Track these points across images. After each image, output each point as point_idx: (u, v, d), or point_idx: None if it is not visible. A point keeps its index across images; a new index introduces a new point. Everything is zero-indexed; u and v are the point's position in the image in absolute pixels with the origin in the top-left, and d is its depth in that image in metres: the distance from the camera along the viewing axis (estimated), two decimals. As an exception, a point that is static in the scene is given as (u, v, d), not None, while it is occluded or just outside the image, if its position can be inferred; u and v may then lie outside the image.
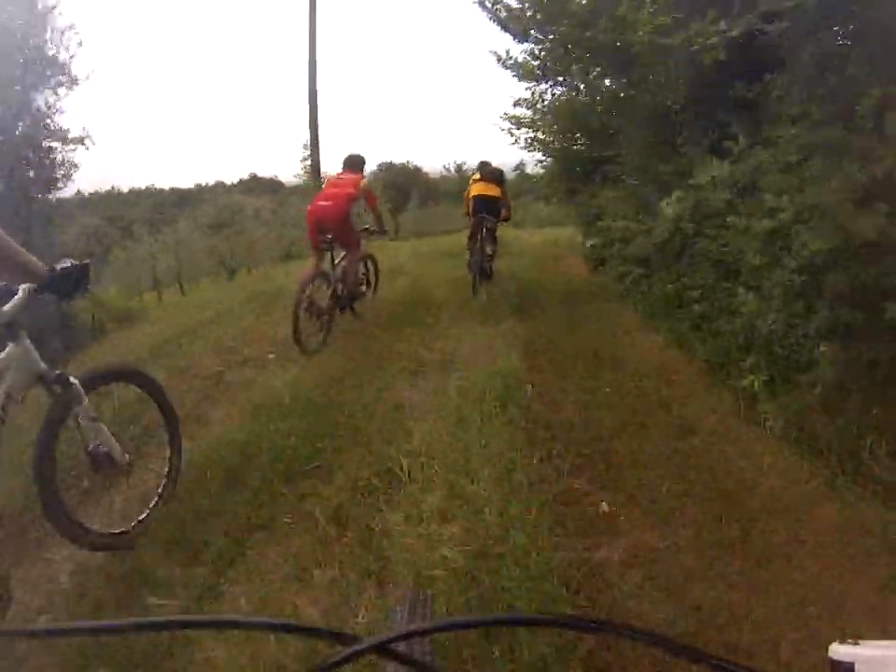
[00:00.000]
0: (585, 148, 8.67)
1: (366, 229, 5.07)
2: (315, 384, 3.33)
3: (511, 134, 8.64)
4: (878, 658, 0.38)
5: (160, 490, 2.23)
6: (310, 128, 15.10)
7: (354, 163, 4.81)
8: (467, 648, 1.37)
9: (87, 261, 1.83)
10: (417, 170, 44.70)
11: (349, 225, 4.54)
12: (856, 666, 0.38)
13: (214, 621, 0.39)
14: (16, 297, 1.72)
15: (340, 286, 4.54)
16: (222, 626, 0.38)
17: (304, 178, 21.48)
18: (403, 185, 43.24)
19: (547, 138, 9.14)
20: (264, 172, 43.21)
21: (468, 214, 6.23)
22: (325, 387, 3.25)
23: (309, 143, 15.85)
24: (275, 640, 1.42)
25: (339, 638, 0.39)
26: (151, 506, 2.18)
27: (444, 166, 43.67)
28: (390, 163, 46.58)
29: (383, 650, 0.39)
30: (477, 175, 6.30)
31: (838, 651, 0.40)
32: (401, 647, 0.49)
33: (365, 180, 4.76)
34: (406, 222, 24.66)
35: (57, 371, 1.85)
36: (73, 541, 1.92)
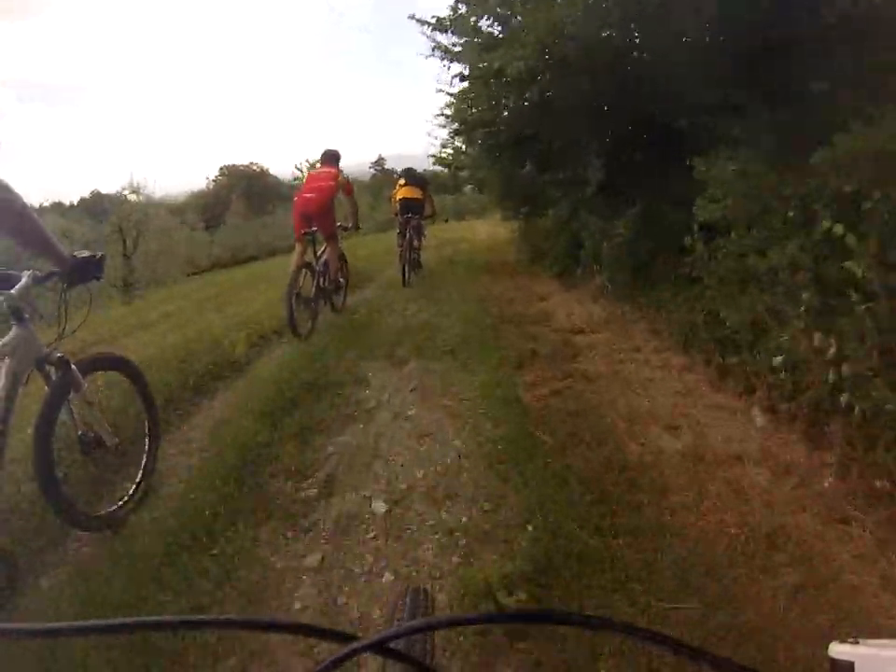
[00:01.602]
0: None
1: (340, 225, 5.36)
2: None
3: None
4: (878, 657, 0.39)
5: (140, 475, 2.34)
6: None
7: (330, 158, 5.33)
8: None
9: (102, 254, 1.97)
10: (263, 172, 40.44)
11: (331, 216, 5.05)
12: (856, 665, 0.39)
13: (213, 620, 0.39)
14: (22, 281, 1.81)
15: (322, 278, 4.94)
16: (222, 626, 0.39)
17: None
18: (256, 191, 38.06)
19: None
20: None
21: (395, 214, 7.33)
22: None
23: None
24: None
25: (339, 637, 0.39)
26: (132, 490, 2.29)
27: (296, 166, 39.90)
28: (232, 166, 42.09)
29: (381, 648, 0.39)
30: (402, 181, 7.43)
31: (838, 650, 0.40)
32: (401, 644, 0.51)
33: (343, 174, 5.19)
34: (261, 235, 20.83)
35: (59, 354, 1.94)
36: (69, 523, 2.00)
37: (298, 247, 4.92)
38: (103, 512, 2.14)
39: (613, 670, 1.40)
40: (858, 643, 0.40)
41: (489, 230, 14.33)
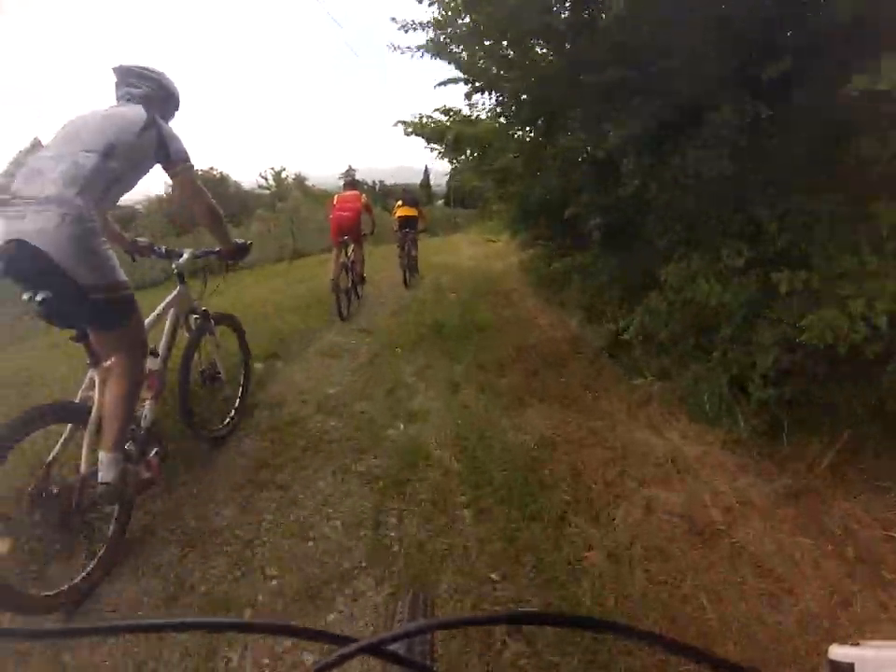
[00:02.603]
0: None
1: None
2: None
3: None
4: (878, 659, 0.40)
5: (236, 404, 3.19)
6: None
7: (352, 183, 7.06)
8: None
9: (250, 241, 2.76)
10: (223, 179, 37.70)
11: (359, 226, 6.71)
12: (856, 667, 0.41)
13: (209, 623, 0.39)
14: (185, 255, 2.68)
15: (352, 273, 6.67)
16: (217, 629, 0.40)
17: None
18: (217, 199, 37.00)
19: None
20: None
21: (396, 230, 8.87)
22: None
23: None
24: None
25: (334, 640, 0.40)
26: (232, 414, 3.14)
27: (260, 174, 36.99)
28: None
29: (376, 650, 0.40)
30: (400, 202, 8.99)
31: (838, 652, 0.42)
32: (401, 646, 0.55)
33: (364, 196, 6.84)
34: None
35: (203, 308, 2.79)
36: (193, 435, 2.81)
37: (335, 251, 6.54)
38: (213, 429, 2.97)
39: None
40: (858, 645, 0.42)
41: (473, 251, 13.24)
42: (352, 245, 6.74)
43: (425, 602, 0.77)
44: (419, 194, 9.65)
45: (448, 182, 34.33)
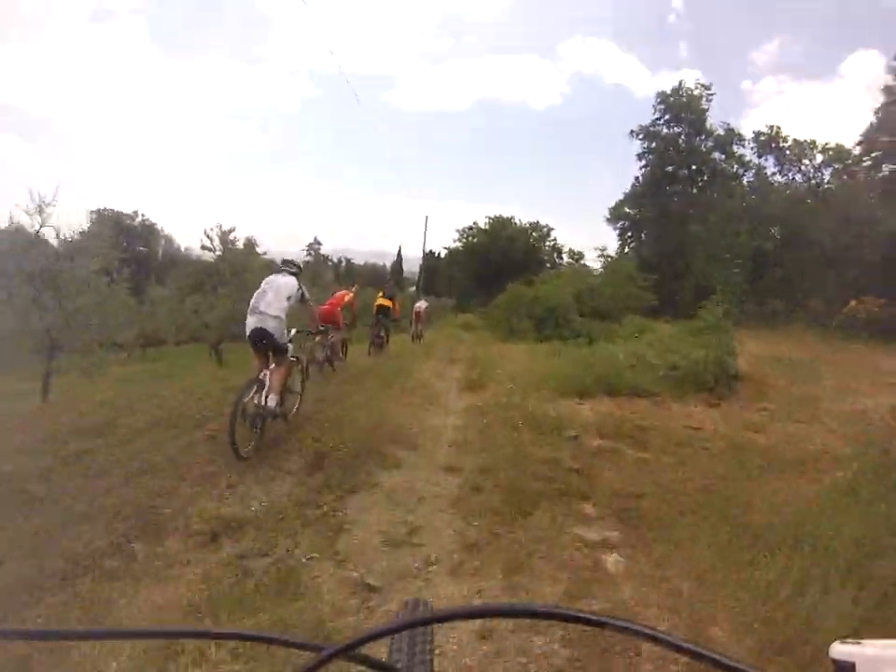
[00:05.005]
0: None
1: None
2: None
3: None
4: (879, 657, 0.42)
5: (298, 401, 6.70)
6: None
7: (392, 287, 11.60)
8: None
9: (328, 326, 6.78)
10: (151, 228, 37.28)
11: (339, 317, 9.87)
12: (857, 666, 0.42)
13: (184, 631, 0.45)
14: (292, 332, 6.39)
15: (329, 350, 9.80)
16: (193, 637, 0.62)
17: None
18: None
19: None
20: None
21: (375, 314, 12.68)
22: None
23: None
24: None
25: (307, 647, 0.43)
26: (297, 403, 6.64)
27: (205, 231, 28.28)
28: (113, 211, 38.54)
29: (349, 654, 0.42)
30: (381, 293, 12.96)
31: (839, 650, 0.44)
32: (403, 647, 0.56)
33: (349, 295, 10.50)
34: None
35: (296, 355, 6.51)
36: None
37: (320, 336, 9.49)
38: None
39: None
40: (859, 644, 0.44)
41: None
42: (331, 333, 9.55)
43: (425, 609, 0.76)
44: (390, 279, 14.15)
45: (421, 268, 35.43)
